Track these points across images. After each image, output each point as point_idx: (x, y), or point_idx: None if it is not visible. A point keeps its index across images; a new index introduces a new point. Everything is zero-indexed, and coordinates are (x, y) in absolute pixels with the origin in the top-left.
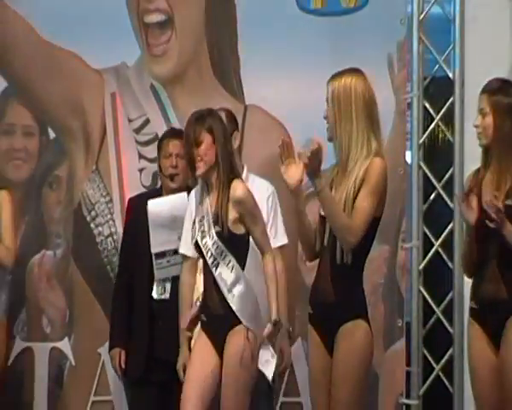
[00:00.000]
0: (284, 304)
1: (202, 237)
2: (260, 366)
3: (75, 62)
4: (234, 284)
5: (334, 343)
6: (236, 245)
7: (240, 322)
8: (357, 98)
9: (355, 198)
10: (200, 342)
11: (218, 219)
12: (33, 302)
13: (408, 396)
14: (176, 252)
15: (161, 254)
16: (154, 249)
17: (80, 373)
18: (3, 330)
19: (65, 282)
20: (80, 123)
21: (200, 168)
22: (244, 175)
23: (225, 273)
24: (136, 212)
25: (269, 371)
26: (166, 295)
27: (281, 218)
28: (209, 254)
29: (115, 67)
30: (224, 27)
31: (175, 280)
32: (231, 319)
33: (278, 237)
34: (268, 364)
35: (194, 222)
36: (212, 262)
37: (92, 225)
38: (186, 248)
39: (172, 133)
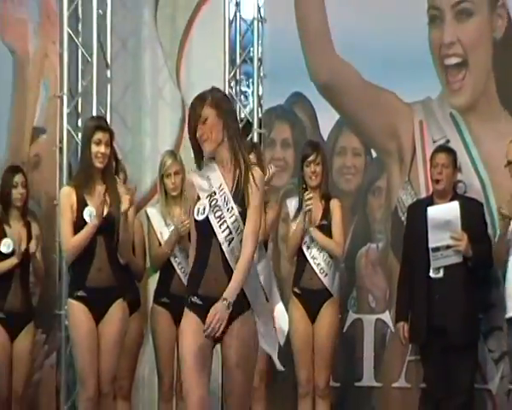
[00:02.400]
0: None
1: (215, 211)
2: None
3: (391, 98)
4: None
5: None
6: None
7: (243, 308)
8: None
9: None
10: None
11: (241, 199)
12: (362, 284)
13: None
14: (448, 247)
15: (436, 249)
16: (431, 245)
17: (398, 339)
18: (337, 305)
19: (385, 268)
20: (396, 145)
21: (208, 147)
22: None
23: (238, 250)
24: (415, 215)
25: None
26: (441, 275)
27: None
28: (223, 227)
29: (422, 100)
30: (511, 64)
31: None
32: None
33: None
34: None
35: (198, 197)
36: (227, 236)
37: None
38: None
39: (440, 148)
